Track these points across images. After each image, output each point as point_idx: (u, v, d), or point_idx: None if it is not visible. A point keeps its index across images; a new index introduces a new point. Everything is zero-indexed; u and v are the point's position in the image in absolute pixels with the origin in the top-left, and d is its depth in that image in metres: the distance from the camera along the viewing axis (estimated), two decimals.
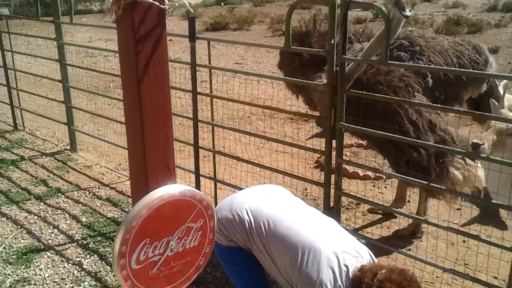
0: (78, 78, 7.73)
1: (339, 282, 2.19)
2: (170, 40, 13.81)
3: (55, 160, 5.99)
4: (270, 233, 2.38)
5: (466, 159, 3.73)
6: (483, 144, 3.00)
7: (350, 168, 5.50)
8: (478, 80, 4.34)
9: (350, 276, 2.22)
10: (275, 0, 30.87)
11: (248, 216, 2.43)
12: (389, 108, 3.60)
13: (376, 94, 3.39)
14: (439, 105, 3.76)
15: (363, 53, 3.49)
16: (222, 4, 27.82)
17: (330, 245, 2.30)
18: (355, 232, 4.40)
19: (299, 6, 3.78)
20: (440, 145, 3.50)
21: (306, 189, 5.18)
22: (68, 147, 6.34)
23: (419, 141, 3.50)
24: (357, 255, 2.32)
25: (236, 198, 2.63)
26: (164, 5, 1.67)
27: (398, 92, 3.68)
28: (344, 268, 2.23)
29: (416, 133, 3.63)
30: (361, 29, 7.40)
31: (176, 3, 1.74)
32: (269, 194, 2.68)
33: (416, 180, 3.29)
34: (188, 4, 1.81)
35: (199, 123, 4.27)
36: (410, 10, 3.10)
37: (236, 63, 11.96)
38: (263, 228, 2.40)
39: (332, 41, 3.24)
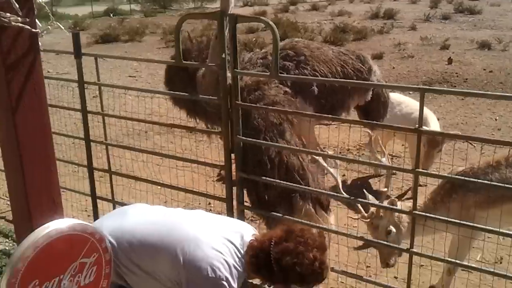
0: None
1: (232, 260, 2.15)
2: (57, 54, 13.13)
3: None
4: (138, 247, 2.25)
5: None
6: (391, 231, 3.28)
7: None
8: (362, 88, 4.56)
9: (242, 250, 2.19)
10: (166, 11, 30.63)
11: (109, 241, 2.20)
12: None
13: (275, 108, 3.43)
14: (324, 115, 3.69)
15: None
16: (112, 15, 27.01)
17: (208, 230, 2.25)
18: None
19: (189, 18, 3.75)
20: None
21: (209, 203, 5.13)
22: None
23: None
24: (240, 231, 2.29)
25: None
26: (36, 29, 1.53)
27: (270, 127, 3.62)
28: (231, 246, 2.19)
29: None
30: (253, 39, 7.47)
31: (49, 26, 1.62)
32: (128, 211, 2.54)
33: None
34: (60, 25, 1.69)
35: (92, 142, 4.06)
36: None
37: (130, 76, 11.65)
38: (128, 245, 2.26)
39: (223, 55, 3.23)
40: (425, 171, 3.02)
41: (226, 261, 2.14)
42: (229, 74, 3.24)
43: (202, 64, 3.95)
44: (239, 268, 2.18)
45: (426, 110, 5.56)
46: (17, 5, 1.48)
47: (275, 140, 3.56)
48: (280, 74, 3.24)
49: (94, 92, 6.83)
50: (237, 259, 2.18)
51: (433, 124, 5.34)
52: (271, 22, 3.16)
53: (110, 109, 5.40)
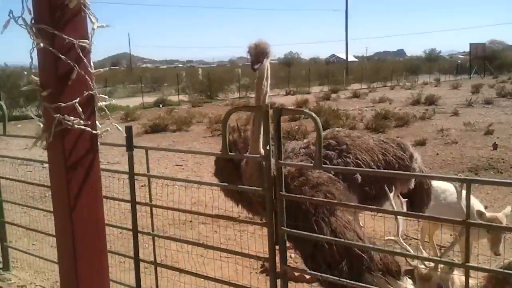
0: (12, 188, 7.40)
1: None
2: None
3: None
4: None
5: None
6: None
7: (296, 272, 5.41)
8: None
9: None
10: (212, 101, 31.83)
11: None
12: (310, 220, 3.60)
13: (314, 198, 3.43)
14: (368, 206, 3.72)
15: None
16: (161, 105, 28.27)
17: None
18: None
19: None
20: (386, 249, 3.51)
21: None
22: (1, 266, 5.90)
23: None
24: None
25: None
26: (96, 131, 1.65)
27: (318, 208, 3.66)
28: None
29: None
30: (296, 126, 7.62)
31: (109, 128, 1.73)
32: None
33: (363, 285, 3.23)
34: (119, 127, 1.80)
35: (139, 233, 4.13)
36: (258, 64, 3.25)
37: (177, 165, 11.94)
38: None
39: (268, 147, 3.30)
40: (476, 265, 2.87)
41: None
42: (273, 165, 3.30)
43: (247, 156, 4.04)
44: None
45: (472, 199, 5.40)
46: (80, 109, 1.60)
47: (327, 219, 3.58)
48: (323, 165, 3.27)
49: (143, 181, 7.05)
50: None
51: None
52: (314, 115, 3.23)
53: (157, 198, 5.52)
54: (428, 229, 5.77)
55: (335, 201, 3.68)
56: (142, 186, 7.26)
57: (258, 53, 3.26)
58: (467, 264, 2.71)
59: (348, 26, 58.21)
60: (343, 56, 69.13)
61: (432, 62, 69.83)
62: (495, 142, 12.87)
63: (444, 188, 5.62)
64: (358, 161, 4.20)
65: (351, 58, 73.31)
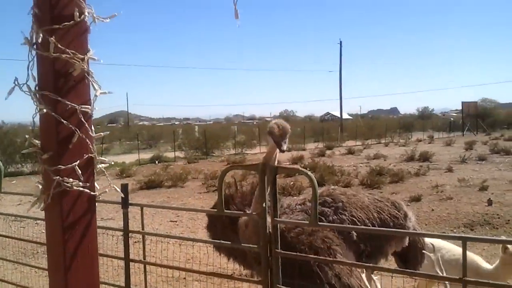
0: (5, 244, 7.33)
1: None
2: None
3: None
4: None
5: None
6: None
7: None
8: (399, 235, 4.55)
9: None
10: (208, 157, 31.96)
11: None
12: (311, 269, 3.66)
13: (312, 256, 3.45)
14: (365, 264, 3.82)
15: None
16: (157, 162, 28.33)
17: None
18: None
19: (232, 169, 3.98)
20: None
21: None
22: None
23: None
24: None
25: None
26: (94, 192, 1.70)
27: (319, 253, 3.76)
28: None
29: None
30: (291, 182, 7.66)
31: (107, 190, 1.79)
32: None
33: None
34: (117, 188, 1.86)
35: None
36: (285, 142, 3.31)
37: (171, 221, 11.88)
38: None
39: (264, 205, 3.35)
40: None
41: None
42: (269, 222, 3.34)
43: (244, 213, 4.07)
44: None
45: (472, 256, 5.42)
46: (79, 171, 1.66)
47: (330, 264, 3.62)
48: (319, 222, 3.31)
49: (137, 238, 7.00)
50: None
51: (485, 264, 5.28)
52: (309, 173, 3.31)
53: (151, 255, 5.49)
54: (425, 286, 5.73)
55: (331, 258, 3.71)
56: (135, 242, 7.22)
57: (284, 133, 3.38)
58: None
59: (342, 85, 59.35)
60: (337, 114, 70.12)
61: (425, 120, 71.01)
62: (489, 198, 12.92)
63: (439, 245, 5.62)
64: (354, 219, 4.23)
65: (345, 115, 74.31)
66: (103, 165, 1.74)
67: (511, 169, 19.90)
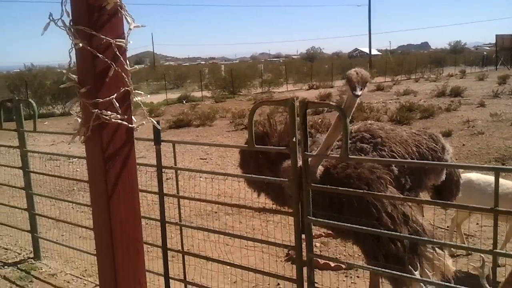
0: (41, 182, 7.64)
1: None
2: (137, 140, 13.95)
3: (18, 270, 5.75)
4: None
5: (436, 248, 3.79)
6: None
7: (321, 260, 5.48)
8: (439, 168, 4.51)
9: None
10: (235, 96, 31.94)
11: None
12: (365, 201, 3.68)
13: (344, 188, 3.49)
14: (411, 197, 3.89)
15: (320, 147, 3.63)
16: (184, 101, 28.51)
17: None
18: None
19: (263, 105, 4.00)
20: (418, 237, 3.57)
21: (278, 284, 5.11)
22: (32, 255, 6.13)
23: (398, 233, 3.57)
24: None
25: None
26: (132, 124, 1.74)
27: (371, 184, 3.78)
28: None
29: (393, 226, 3.70)
30: (320, 120, 7.67)
31: (144, 122, 1.83)
32: None
33: (388, 271, 3.31)
34: (155, 122, 1.90)
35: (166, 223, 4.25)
36: (361, 89, 3.27)
37: (201, 159, 12.10)
38: None
39: (294, 139, 3.38)
40: (503, 251, 2.90)
41: None
42: (300, 157, 3.38)
43: (273, 148, 4.11)
44: None
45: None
46: (117, 104, 1.70)
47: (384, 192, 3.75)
48: (350, 156, 3.33)
49: (168, 175, 7.19)
50: None
51: None
52: (340, 108, 3.29)
53: (183, 190, 5.65)
54: (461, 218, 5.74)
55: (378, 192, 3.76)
56: (167, 179, 7.41)
57: (363, 80, 3.35)
58: (494, 250, 2.75)
59: (371, 20, 57.57)
60: (366, 50, 68.58)
61: (457, 54, 68.69)
62: None
63: (485, 180, 5.56)
64: (393, 154, 4.17)
65: (374, 51, 72.55)
66: (139, 98, 1.77)
67: None
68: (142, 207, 5.92)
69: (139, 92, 1.77)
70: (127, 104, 1.74)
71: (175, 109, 23.57)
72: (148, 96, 2.09)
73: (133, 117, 1.76)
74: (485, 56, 58.53)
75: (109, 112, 1.67)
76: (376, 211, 3.71)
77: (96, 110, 1.66)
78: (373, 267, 3.60)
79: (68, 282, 5.40)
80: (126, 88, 1.72)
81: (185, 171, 7.70)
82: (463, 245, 3.66)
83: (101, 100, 1.66)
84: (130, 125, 1.72)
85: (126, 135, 1.74)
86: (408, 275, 3.40)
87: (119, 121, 1.68)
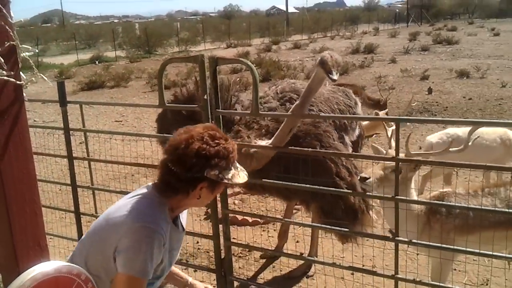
0: None
1: (145, 203, 2.05)
2: (43, 103, 13.25)
3: None
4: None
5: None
6: (369, 178, 3.23)
7: (239, 216, 5.59)
8: (357, 123, 4.63)
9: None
10: (151, 55, 31.06)
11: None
12: (321, 158, 3.72)
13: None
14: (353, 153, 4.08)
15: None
16: (97, 62, 27.30)
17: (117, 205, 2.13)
18: (249, 279, 4.45)
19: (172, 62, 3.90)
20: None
21: (197, 242, 5.15)
22: None
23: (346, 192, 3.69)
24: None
25: None
26: (20, 81, 1.63)
27: (321, 139, 3.86)
28: (140, 196, 2.10)
29: (350, 178, 3.80)
30: (238, 78, 7.63)
31: (33, 78, 1.72)
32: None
33: (334, 228, 3.41)
34: (44, 76, 1.79)
35: (78, 188, 4.11)
36: (336, 73, 3.22)
37: (116, 121, 11.74)
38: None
39: (205, 97, 3.35)
40: (404, 198, 3.10)
41: (142, 209, 2.03)
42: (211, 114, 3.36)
43: (185, 106, 4.06)
44: (157, 211, 2.06)
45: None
46: (1, 60, 1.58)
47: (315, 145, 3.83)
48: (260, 112, 3.36)
49: (81, 139, 6.92)
50: (149, 201, 2.08)
51: None
52: (249, 63, 3.29)
53: (96, 154, 5.48)
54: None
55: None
56: (80, 143, 7.15)
57: (337, 64, 3.24)
58: (396, 197, 2.92)
59: None
60: (283, 7, 68.70)
61: (371, 12, 70.81)
62: (430, 87, 13.44)
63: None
64: (321, 112, 4.19)
65: (291, 9, 73.08)
66: (27, 53, 1.66)
67: (452, 58, 20.57)
68: (53, 173, 5.69)
69: (26, 46, 1.64)
70: (13, 59, 1.62)
71: (87, 70, 22.51)
72: (37, 50, 1.96)
73: (21, 74, 1.64)
74: (397, 14, 60.80)
75: None
76: (334, 166, 3.79)
77: None
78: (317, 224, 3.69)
79: None
80: (12, 43, 1.59)
81: (99, 135, 7.44)
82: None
83: None
84: (18, 82, 1.61)
85: (14, 92, 1.62)
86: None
87: (5, 78, 1.57)
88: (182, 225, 2.26)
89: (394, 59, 20.32)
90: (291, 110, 3.48)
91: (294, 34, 42.87)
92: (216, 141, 2.04)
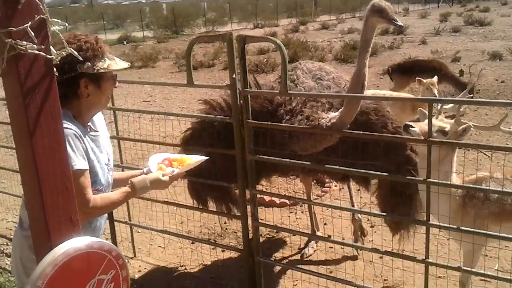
0: None
1: None
2: None
3: None
4: None
5: None
6: (414, 127, 3.09)
7: (267, 197, 5.57)
8: None
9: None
10: (178, 36, 31.07)
11: None
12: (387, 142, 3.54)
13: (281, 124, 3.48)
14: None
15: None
16: (125, 42, 27.46)
17: None
18: (276, 261, 4.44)
19: (199, 41, 3.85)
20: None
21: (225, 222, 5.16)
22: None
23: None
24: None
25: None
26: (50, 55, 1.61)
27: (388, 116, 3.72)
28: None
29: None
30: (265, 59, 7.52)
31: (64, 52, 1.70)
32: None
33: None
34: (74, 51, 1.77)
35: None
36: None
37: (144, 101, 11.81)
38: None
39: (234, 76, 3.31)
40: (437, 181, 2.99)
41: None
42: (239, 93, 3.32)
43: (213, 85, 4.02)
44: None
45: None
46: (32, 33, 1.56)
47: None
48: (289, 91, 3.30)
49: (110, 118, 6.97)
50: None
51: None
52: (278, 41, 3.23)
53: (125, 133, 5.51)
54: None
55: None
56: (109, 122, 7.19)
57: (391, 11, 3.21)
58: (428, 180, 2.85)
59: None
60: None
61: None
62: (461, 69, 13.08)
63: None
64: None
65: None
66: (57, 27, 1.64)
67: (483, 40, 19.98)
68: None
69: (56, 20, 1.63)
70: (44, 33, 1.60)
71: (115, 50, 22.61)
72: (67, 24, 1.95)
73: (52, 48, 1.63)
74: None
75: (24, 42, 1.54)
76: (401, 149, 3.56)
77: (10, 40, 1.52)
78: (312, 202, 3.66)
79: (10, 230, 5.25)
80: (42, 16, 1.57)
81: (128, 115, 7.49)
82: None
83: (14, 28, 1.52)
84: (48, 56, 1.60)
85: (45, 66, 1.61)
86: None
87: (36, 51, 1.55)
88: (95, 127, 2.46)
89: (424, 41, 19.84)
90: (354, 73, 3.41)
91: (322, 15, 42.18)
92: (77, 38, 2.24)
